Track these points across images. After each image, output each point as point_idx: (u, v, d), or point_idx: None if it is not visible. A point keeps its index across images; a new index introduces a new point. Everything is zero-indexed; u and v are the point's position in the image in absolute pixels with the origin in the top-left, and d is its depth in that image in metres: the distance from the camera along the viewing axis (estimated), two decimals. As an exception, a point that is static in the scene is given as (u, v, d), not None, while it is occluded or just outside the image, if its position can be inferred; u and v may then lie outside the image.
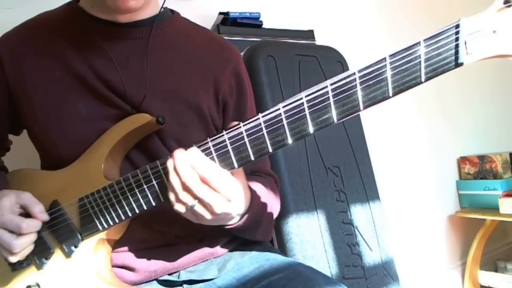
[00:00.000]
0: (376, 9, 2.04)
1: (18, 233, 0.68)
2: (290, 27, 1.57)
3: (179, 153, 0.60)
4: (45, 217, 0.71)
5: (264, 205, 0.78)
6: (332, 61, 1.51)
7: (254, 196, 0.73)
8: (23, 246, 0.68)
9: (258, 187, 0.78)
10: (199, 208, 0.62)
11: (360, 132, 1.53)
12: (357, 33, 1.92)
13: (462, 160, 2.23)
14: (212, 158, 0.61)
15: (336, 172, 1.41)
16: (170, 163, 0.61)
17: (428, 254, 2.09)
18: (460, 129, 2.31)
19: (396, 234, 1.86)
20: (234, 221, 0.69)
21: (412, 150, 2.09)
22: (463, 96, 2.34)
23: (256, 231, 0.79)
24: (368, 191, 1.46)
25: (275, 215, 0.84)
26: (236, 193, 0.64)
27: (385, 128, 1.99)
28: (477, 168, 2.17)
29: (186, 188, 0.60)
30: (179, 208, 0.62)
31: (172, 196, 0.62)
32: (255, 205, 0.73)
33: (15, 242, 0.67)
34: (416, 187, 2.08)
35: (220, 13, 1.44)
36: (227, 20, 1.42)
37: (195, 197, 0.61)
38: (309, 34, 1.60)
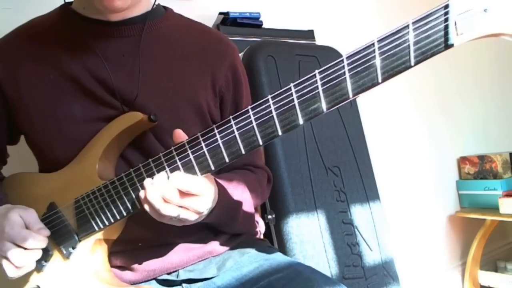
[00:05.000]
0: (376, 9, 2.04)
1: (24, 247, 0.67)
2: (290, 27, 1.57)
3: (157, 177, 0.63)
4: (46, 232, 0.71)
5: (238, 199, 0.79)
6: (332, 61, 1.51)
7: (223, 191, 0.73)
8: (27, 261, 0.68)
9: (233, 182, 0.78)
10: (185, 214, 0.63)
11: (360, 132, 1.53)
12: (357, 33, 1.92)
13: (462, 160, 2.23)
14: (203, 154, 0.61)
15: (336, 172, 1.41)
16: (149, 183, 0.63)
17: (428, 254, 2.09)
18: (460, 129, 2.31)
19: (396, 234, 1.86)
20: (204, 216, 0.70)
21: (412, 150, 2.09)
22: (463, 96, 2.34)
23: (234, 224, 0.80)
24: (368, 191, 1.46)
25: (254, 205, 0.85)
26: (210, 188, 0.67)
27: (385, 128, 1.99)
28: (477, 168, 2.17)
29: (167, 202, 0.62)
30: (166, 220, 0.64)
31: (154, 213, 0.63)
32: (225, 200, 0.73)
33: (21, 256, 0.67)
34: (416, 187, 2.08)
35: (220, 13, 1.44)
36: (227, 20, 1.42)
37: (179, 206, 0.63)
38: (309, 34, 1.60)
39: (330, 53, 1.53)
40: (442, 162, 2.21)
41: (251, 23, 1.46)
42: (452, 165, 2.26)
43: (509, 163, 2.13)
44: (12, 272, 0.68)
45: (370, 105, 1.83)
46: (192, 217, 0.65)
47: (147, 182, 0.63)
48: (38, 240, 0.68)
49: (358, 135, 1.51)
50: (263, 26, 1.50)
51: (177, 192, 0.62)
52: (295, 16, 1.76)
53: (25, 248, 0.67)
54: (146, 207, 0.63)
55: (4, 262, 0.68)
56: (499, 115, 2.50)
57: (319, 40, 1.62)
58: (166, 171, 0.64)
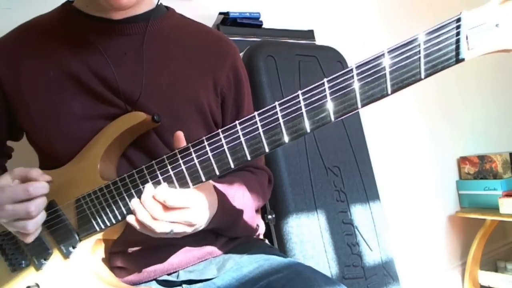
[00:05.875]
0: (377, 9, 2.04)
1: (28, 198, 0.65)
2: (290, 27, 1.57)
3: (144, 194, 0.64)
4: (47, 177, 0.69)
5: (240, 203, 0.79)
6: (332, 61, 1.51)
7: (223, 197, 0.74)
8: (38, 208, 0.66)
9: (233, 186, 0.79)
10: (178, 228, 0.65)
11: (360, 132, 1.53)
12: (357, 33, 1.92)
13: (462, 160, 2.23)
14: (208, 159, 0.61)
15: (336, 172, 1.41)
16: (136, 204, 0.65)
17: (428, 254, 2.09)
18: (460, 129, 2.31)
19: (396, 234, 1.86)
20: (205, 223, 0.70)
21: (412, 150, 2.09)
22: (463, 96, 2.34)
23: (235, 228, 0.81)
24: (368, 191, 1.46)
25: (255, 207, 0.86)
26: (197, 199, 0.67)
27: (385, 128, 1.98)
28: (477, 168, 2.17)
29: (155, 219, 0.63)
30: (162, 235, 0.65)
31: (149, 232, 0.65)
32: (225, 206, 0.74)
33: (30, 205, 0.65)
34: (416, 187, 2.08)
35: (220, 13, 1.44)
36: (227, 20, 1.42)
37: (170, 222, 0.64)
38: (309, 34, 1.60)
39: (330, 53, 1.53)
40: (442, 162, 2.21)
41: (251, 23, 1.46)
42: (452, 165, 2.26)
43: (509, 163, 2.13)
44: (30, 225, 0.65)
45: (370, 105, 1.83)
46: (187, 229, 0.66)
47: (135, 202, 0.64)
48: (38, 187, 0.66)
49: (358, 135, 1.51)
50: (263, 26, 1.50)
51: (162, 208, 0.63)
52: (295, 16, 1.76)
53: (29, 199, 0.65)
54: (139, 228, 0.65)
55: (16, 224, 0.66)
56: (499, 115, 2.50)
57: (319, 40, 1.62)
58: (151, 184, 0.65)
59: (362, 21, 1.98)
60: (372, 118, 1.84)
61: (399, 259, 1.51)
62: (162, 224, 0.63)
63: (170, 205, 0.62)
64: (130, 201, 0.67)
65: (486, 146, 2.35)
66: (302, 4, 1.80)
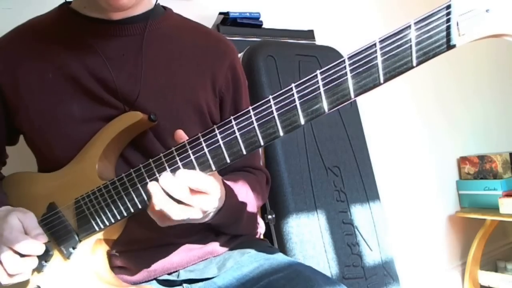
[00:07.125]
0: (377, 9, 2.04)
1: (21, 254, 0.65)
2: (290, 27, 1.58)
3: (164, 175, 0.60)
4: (44, 239, 0.69)
5: (243, 200, 0.78)
6: (332, 61, 1.50)
7: (230, 192, 0.73)
8: (21, 269, 0.66)
9: (238, 183, 0.78)
10: (195, 214, 0.62)
11: (360, 132, 1.53)
12: (357, 33, 1.92)
13: (462, 160, 2.23)
14: (204, 154, 0.61)
15: (336, 172, 1.41)
16: (154, 187, 0.60)
17: (428, 254, 2.09)
18: (460, 129, 2.31)
19: (396, 234, 1.86)
20: (211, 216, 0.69)
21: (412, 150, 2.09)
22: (463, 96, 2.34)
23: (237, 225, 0.80)
24: (368, 191, 1.46)
25: (256, 207, 0.85)
26: (217, 186, 0.65)
27: (385, 128, 1.99)
28: (477, 168, 2.17)
29: (176, 202, 0.60)
30: (170, 223, 0.62)
31: (160, 216, 0.62)
32: (231, 200, 0.73)
33: (20, 262, 0.65)
34: (416, 187, 2.08)
35: (220, 13, 1.45)
36: (227, 20, 1.42)
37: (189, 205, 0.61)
38: (309, 34, 1.60)
39: (330, 53, 1.53)
40: (442, 162, 2.21)
41: (251, 23, 1.46)
42: (452, 165, 2.26)
43: (509, 163, 2.13)
44: (4, 279, 0.66)
45: (370, 105, 1.83)
46: (198, 216, 0.63)
47: (152, 185, 0.60)
48: (34, 247, 0.66)
49: (358, 135, 1.51)
50: (263, 26, 1.50)
51: (187, 189, 0.59)
52: (295, 16, 1.76)
53: (21, 255, 0.65)
54: (153, 214, 0.61)
55: None
56: (499, 115, 2.50)
57: (319, 40, 1.62)
58: (168, 171, 0.62)
59: (362, 21, 1.98)
60: (372, 118, 1.84)
61: (399, 259, 1.51)
62: (181, 207, 0.59)
63: (194, 187, 0.59)
64: (128, 200, 0.67)
65: (486, 146, 2.36)
66: (302, 4, 1.81)
